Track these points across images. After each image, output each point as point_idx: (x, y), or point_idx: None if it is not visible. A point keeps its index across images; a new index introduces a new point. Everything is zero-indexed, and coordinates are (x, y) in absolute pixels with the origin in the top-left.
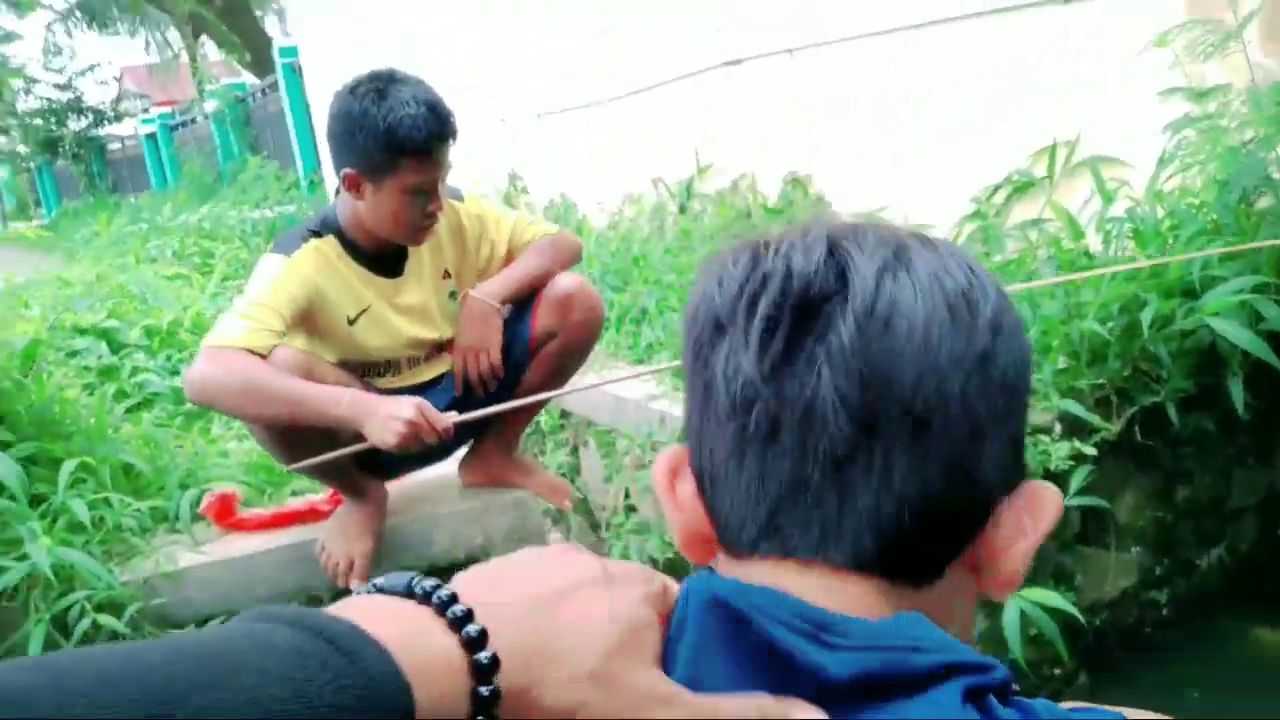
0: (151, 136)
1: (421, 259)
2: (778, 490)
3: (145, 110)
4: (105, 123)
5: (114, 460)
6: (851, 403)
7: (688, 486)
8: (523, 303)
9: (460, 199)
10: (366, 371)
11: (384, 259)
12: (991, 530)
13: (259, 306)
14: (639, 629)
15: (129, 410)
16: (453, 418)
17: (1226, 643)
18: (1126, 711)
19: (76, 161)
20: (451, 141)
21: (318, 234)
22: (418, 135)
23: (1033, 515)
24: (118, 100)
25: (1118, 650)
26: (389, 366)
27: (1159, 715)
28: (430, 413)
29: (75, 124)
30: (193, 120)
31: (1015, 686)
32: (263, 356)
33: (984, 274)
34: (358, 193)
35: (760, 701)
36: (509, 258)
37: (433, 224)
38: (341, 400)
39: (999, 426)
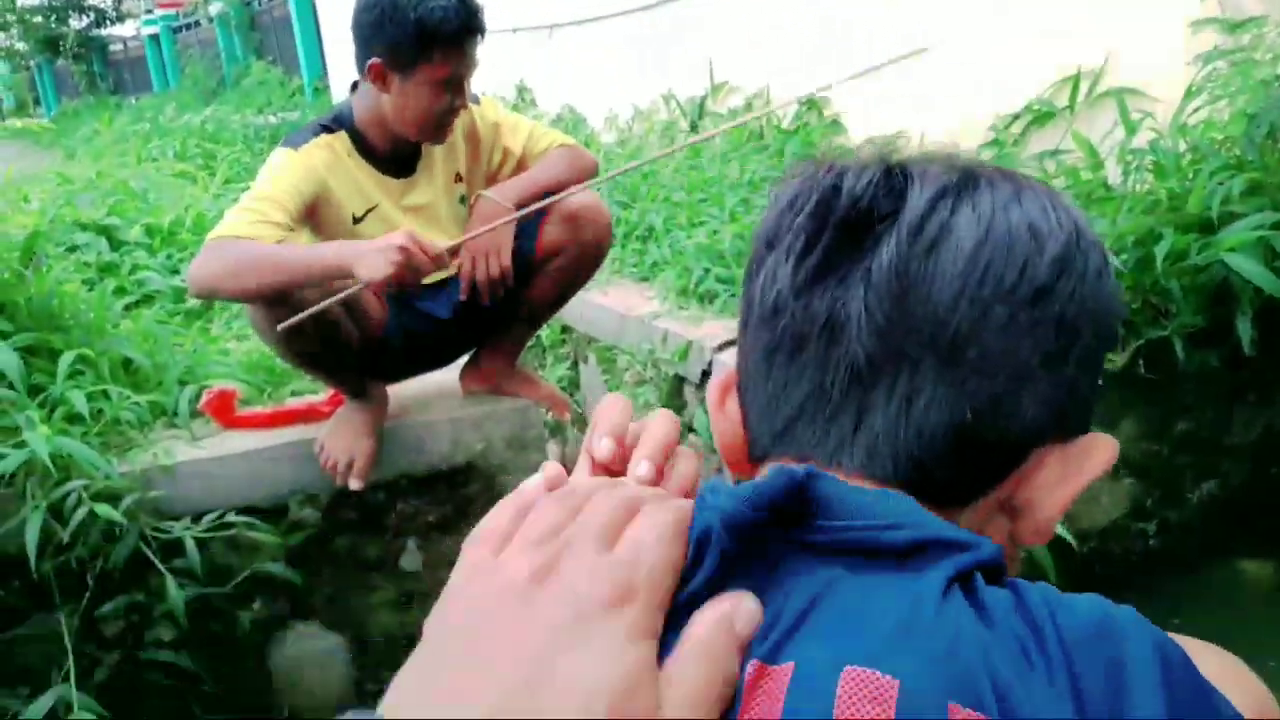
0: (154, 38)
1: (433, 160)
2: (799, 400)
3: (148, 11)
4: (107, 22)
5: (113, 354)
6: (878, 320)
7: (734, 401)
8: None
9: (477, 103)
10: None
11: (396, 158)
12: (1033, 473)
13: (262, 199)
14: (631, 692)
15: (128, 307)
16: (444, 244)
17: (1211, 575)
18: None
19: (77, 61)
20: (480, 37)
21: (329, 129)
22: (449, 27)
23: (1079, 464)
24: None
25: (1104, 577)
26: None
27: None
28: (422, 240)
29: (76, 22)
30: (196, 23)
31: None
32: None
33: (1068, 212)
34: (383, 84)
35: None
36: (521, 165)
37: (453, 120)
38: (328, 249)
39: (1051, 368)
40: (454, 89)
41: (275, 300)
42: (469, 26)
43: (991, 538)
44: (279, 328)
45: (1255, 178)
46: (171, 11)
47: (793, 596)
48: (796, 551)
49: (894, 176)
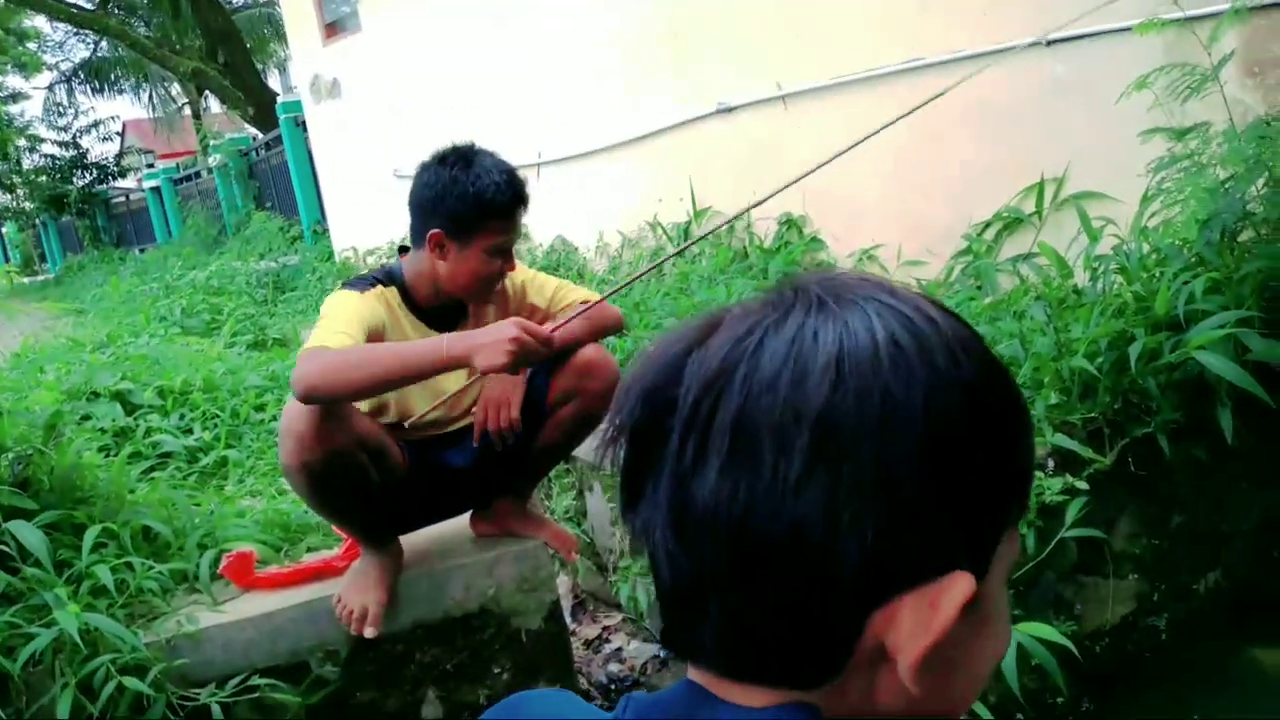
0: (155, 190)
1: (475, 319)
2: (663, 609)
3: (150, 165)
4: (109, 178)
5: (134, 524)
6: (670, 549)
7: None
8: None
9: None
10: (399, 420)
11: (441, 315)
12: (889, 625)
13: (341, 323)
14: None
15: (145, 471)
16: (551, 327)
17: (1225, 664)
18: None
19: (81, 217)
20: (525, 207)
21: (383, 282)
22: (502, 199)
23: (936, 606)
24: (121, 155)
25: (1120, 676)
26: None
27: None
28: (530, 325)
29: (79, 180)
30: (196, 174)
31: None
32: None
33: (865, 341)
34: (441, 252)
35: None
36: (545, 319)
37: (500, 282)
38: (442, 344)
39: (849, 539)
40: (504, 254)
41: (375, 391)
42: (519, 198)
43: (889, 691)
44: (408, 424)
45: (1215, 277)
46: (172, 164)
47: None
48: None
49: (678, 373)
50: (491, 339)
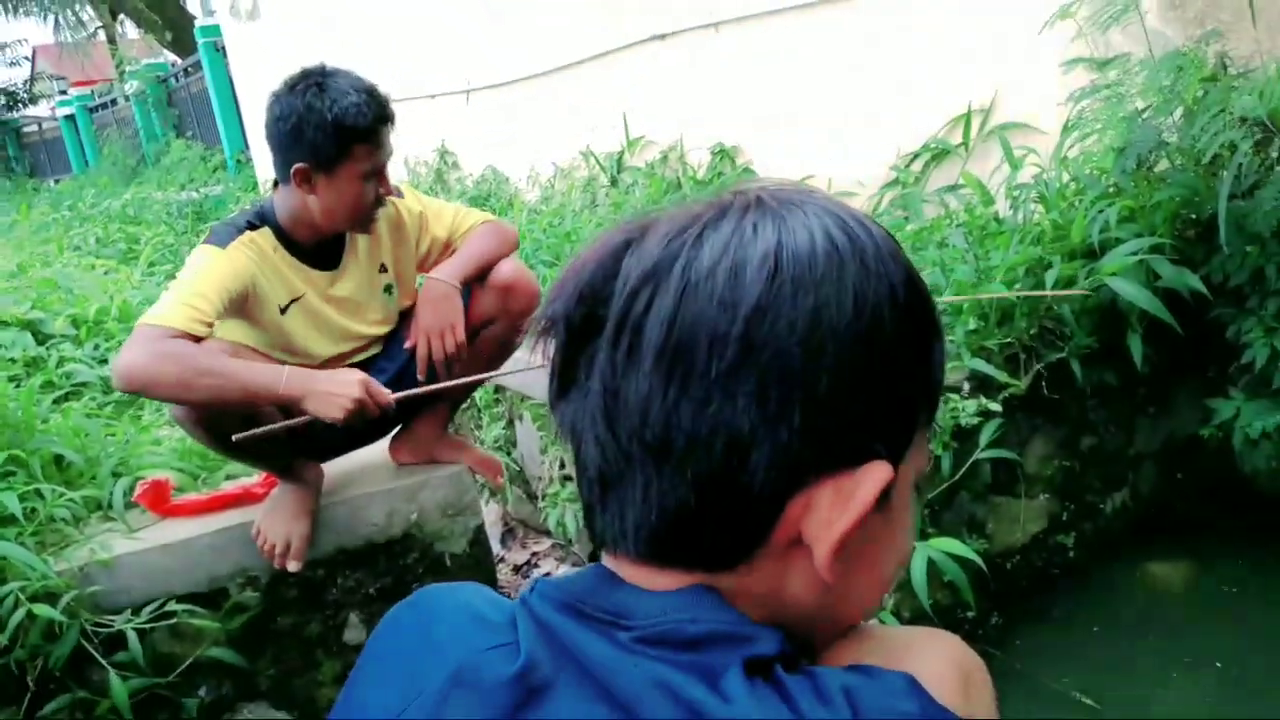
0: (70, 118)
1: (358, 252)
2: (587, 497)
3: (63, 92)
4: (19, 105)
5: (44, 452)
6: (599, 434)
7: None
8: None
9: (400, 195)
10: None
11: (320, 251)
12: (805, 512)
13: (192, 294)
14: None
15: (57, 401)
16: (395, 395)
17: (1128, 581)
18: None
19: None
20: (391, 125)
21: (254, 226)
22: (363, 121)
23: (851, 495)
24: (31, 81)
25: (1029, 591)
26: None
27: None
28: (374, 387)
29: None
30: (113, 102)
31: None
32: (195, 340)
33: (803, 238)
34: (309, 186)
35: None
36: (448, 248)
37: (378, 208)
38: (280, 376)
39: (773, 426)
40: (377, 178)
41: (199, 408)
42: (381, 117)
43: (798, 581)
44: (235, 438)
45: (1130, 205)
46: (87, 91)
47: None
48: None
49: (615, 265)
50: (333, 390)
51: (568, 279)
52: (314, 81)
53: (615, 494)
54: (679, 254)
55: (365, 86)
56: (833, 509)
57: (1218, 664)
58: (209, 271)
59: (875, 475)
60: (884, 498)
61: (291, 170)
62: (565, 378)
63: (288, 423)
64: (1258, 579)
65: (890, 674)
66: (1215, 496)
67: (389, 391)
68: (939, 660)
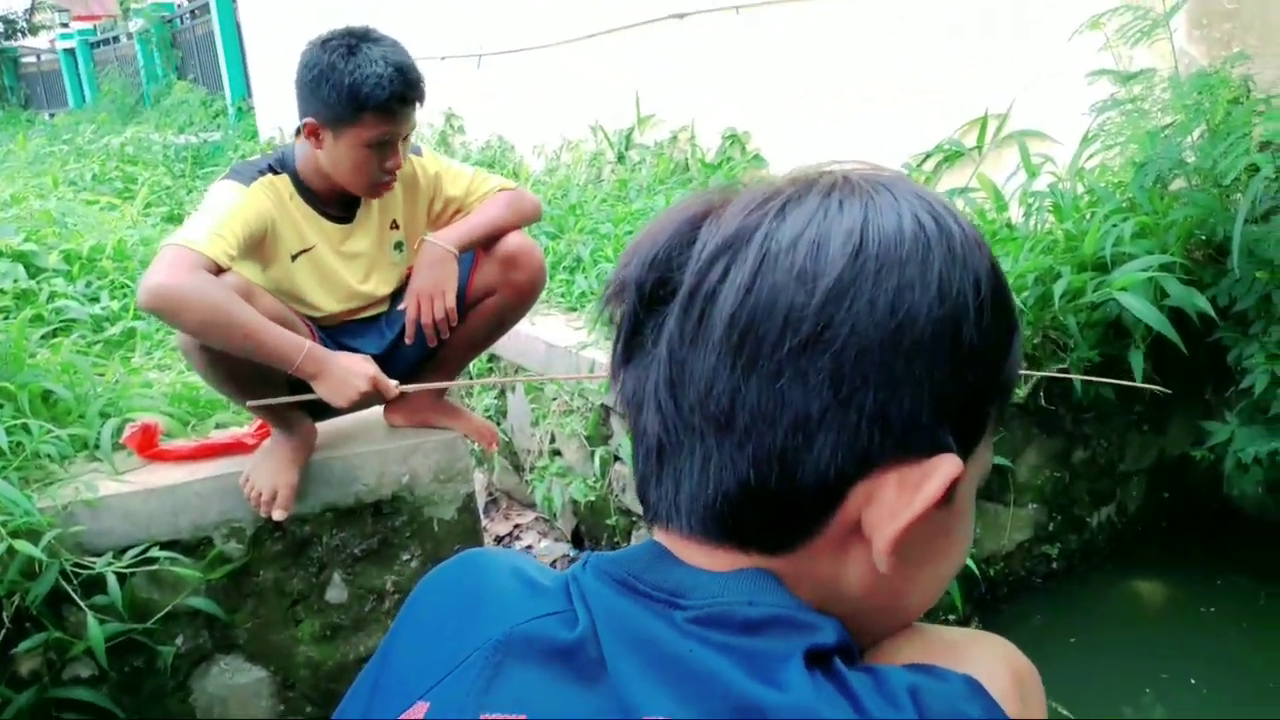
0: (70, 52)
1: (371, 209)
2: (642, 468)
3: (64, 25)
4: (18, 34)
5: (33, 387)
6: (661, 403)
7: None
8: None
9: (419, 154)
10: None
11: (335, 205)
12: (869, 500)
13: (220, 224)
14: None
15: (46, 336)
16: (402, 388)
17: (1109, 595)
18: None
19: None
20: (417, 104)
21: (275, 170)
22: (380, 94)
23: (917, 487)
24: (32, 11)
25: (1009, 598)
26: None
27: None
28: (382, 381)
29: None
30: (116, 39)
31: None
32: (218, 272)
33: (890, 221)
34: (316, 141)
35: None
36: (464, 211)
37: (391, 180)
38: (300, 351)
39: (841, 410)
40: (385, 150)
41: (214, 346)
42: (401, 95)
43: (854, 572)
44: (249, 405)
45: (1145, 221)
46: (89, 26)
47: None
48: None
49: (692, 233)
50: (345, 376)
51: (641, 244)
52: (348, 43)
53: (672, 466)
54: (760, 224)
55: (397, 61)
56: (898, 500)
57: (1191, 681)
58: (234, 206)
59: (945, 468)
60: (949, 494)
61: (303, 121)
62: (631, 344)
63: (297, 397)
64: (1234, 601)
65: (954, 675)
66: (1199, 517)
67: (395, 384)
68: (995, 661)
